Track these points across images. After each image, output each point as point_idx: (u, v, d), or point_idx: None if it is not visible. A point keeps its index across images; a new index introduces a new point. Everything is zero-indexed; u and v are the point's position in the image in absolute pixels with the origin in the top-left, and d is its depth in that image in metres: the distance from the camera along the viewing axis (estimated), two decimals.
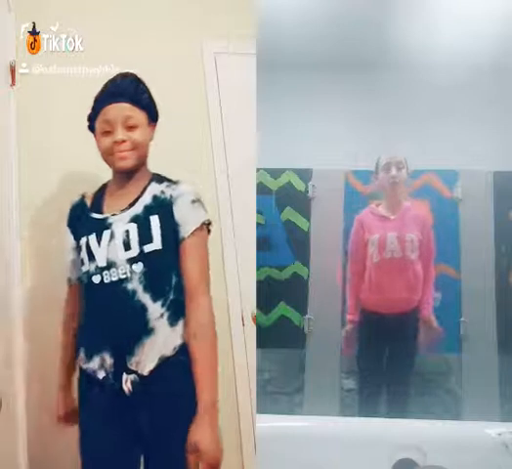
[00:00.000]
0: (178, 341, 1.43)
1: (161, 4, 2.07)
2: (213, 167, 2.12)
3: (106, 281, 1.43)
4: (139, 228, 1.45)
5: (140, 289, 1.42)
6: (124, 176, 1.51)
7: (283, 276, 2.82)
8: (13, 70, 1.70)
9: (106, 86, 1.51)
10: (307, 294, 2.78)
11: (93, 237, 1.47)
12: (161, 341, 1.41)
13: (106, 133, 1.47)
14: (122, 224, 1.46)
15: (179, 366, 1.42)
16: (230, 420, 2.00)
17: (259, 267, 2.64)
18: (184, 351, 1.43)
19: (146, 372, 1.41)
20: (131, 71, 1.52)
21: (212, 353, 1.45)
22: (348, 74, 2.90)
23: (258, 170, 2.78)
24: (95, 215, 1.51)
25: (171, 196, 1.47)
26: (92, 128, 1.52)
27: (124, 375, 1.41)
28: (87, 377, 1.45)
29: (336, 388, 2.69)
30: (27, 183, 1.76)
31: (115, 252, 1.44)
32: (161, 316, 1.42)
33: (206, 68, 2.16)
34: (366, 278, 2.52)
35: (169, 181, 1.51)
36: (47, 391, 1.65)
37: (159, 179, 1.52)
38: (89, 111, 1.51)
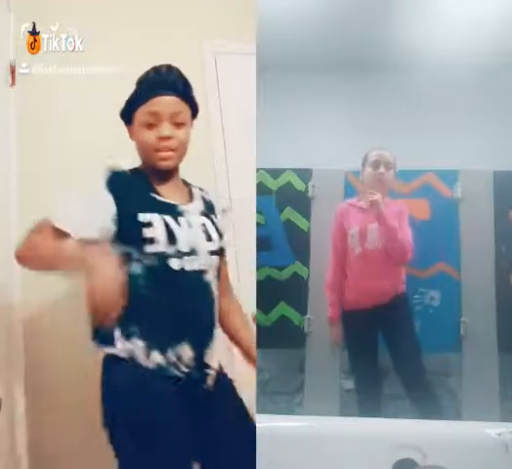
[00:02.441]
0: None
1: (161, 4, 2.07)
2: (213, 167, 2.13)
3: (187, 269, 1.36)
4: (212, 223, 1.46)
5: (214, 283, 1.42)
6: (160, 174, 1.43)
7: (283, 276, 2.82)
8: (13, 70, 1.70)
9: (149, 74, 1.42)
10: (307, 294, 2.77)
11: (170, 219, 1.36)
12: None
13: (150, 125, 1.38)
14: (195, 216, 1.43)
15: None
16: None
17: (259, 267, 2.63)
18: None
19: (216, 366, 1.41)
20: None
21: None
22: (348, 74, 2.90)
23: (258, 170, 2.78)
24: (158, 197, 1.39)
25: (211, 201, 1.51)
26: (127, 116, 1.42)
27: (206, 371, 1.38)
28: (151, 376, 1.30)
29: (336, 388, 2.69)
30: (28, 182, 1.76)
31: (198, 240, 1.39)
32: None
33: (206, 68, 2.16)
34: (349, 273, 2.52)
35: (195, 186, 1.52)
36: (47, 391, 1.66)
37: (186, 182, 1.52)
38: (129, 97, 1.42)
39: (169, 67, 1.43)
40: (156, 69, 1.42)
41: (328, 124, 2.97)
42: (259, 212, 2.76)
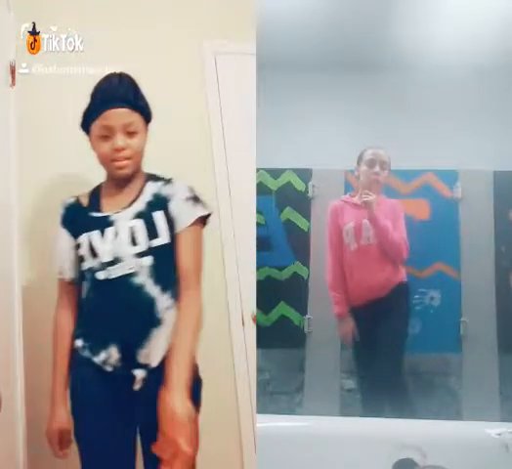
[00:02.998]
0: None
1: (161, 4, 2.07)
2: (213, 167, 2.12)
3: (112, 277, 1.45)
4: (145, 223, 1.48)
5: (149, 282, 1.45)
6: (121, 180, 1.53)
7: (283, 276, 2.82)
8: (13, 70, 1.70)
9: (102, 85, 1.50)
10: (307, 294, 2.78)
11: (96, 234, 1.48)
12: (169, 331, 1.44)
13: (105, 138, 1.48)
14: (126, 221, 1.48)
15: None
16: (230, 420, 2.00)
17: (259, 267, 2.64)
18: None
19: (155, 363, 1.43)
20: (124, 72, 1.51)
21: (193, 340, 1.42)
22: (348, 74, 2.90)
23: (258, 170, 2.78)
24: (94, 214, 1.52)
25: (168, 194, 1.51)
26: (86, 127, 1.52)
27: (134, 372, 1.43)
28: (87, 365, 1.46)
29: (336, 388, 2.69)
30: (27, 183, 1.76)
31: (121, 247, 1.46)
32: (169, 307, 1.45)
33: (206, 68, 2.16)
34: (346, 268, 2.52)
35: (163, 179, 1.55)
36: (47, 391, 1.65)
37: (155, 178, 1.56)
38: (84, 110, 1.50)
39: (120, 76, 1.50)
40: (108, 80, 1.50)
41: (328, 124, 2.97)
42: (259, 212, 2.76)
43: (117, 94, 1.48)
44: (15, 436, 1.59)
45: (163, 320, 1.44)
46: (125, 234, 1.47)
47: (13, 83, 1.71)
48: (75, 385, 1.49)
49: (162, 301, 1.45)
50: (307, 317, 2.76)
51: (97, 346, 1.46)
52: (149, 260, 1.46)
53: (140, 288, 1.44)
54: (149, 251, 1.46)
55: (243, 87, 1.85)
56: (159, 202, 1.50)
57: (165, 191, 1.51)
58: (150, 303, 1.44)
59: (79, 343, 1.50)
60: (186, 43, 2.11)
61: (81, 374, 1.48)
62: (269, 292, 2.71)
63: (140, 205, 1.50)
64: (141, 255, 1.46)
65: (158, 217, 1.48)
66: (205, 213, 1.51)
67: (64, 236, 1.54)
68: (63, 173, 1.83)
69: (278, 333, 2.76)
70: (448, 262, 2.74)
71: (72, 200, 1.57)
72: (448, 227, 2.77)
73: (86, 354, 1.47)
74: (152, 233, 1.47)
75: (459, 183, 2.79)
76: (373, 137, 2.81)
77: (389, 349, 2.41)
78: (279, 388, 2.80)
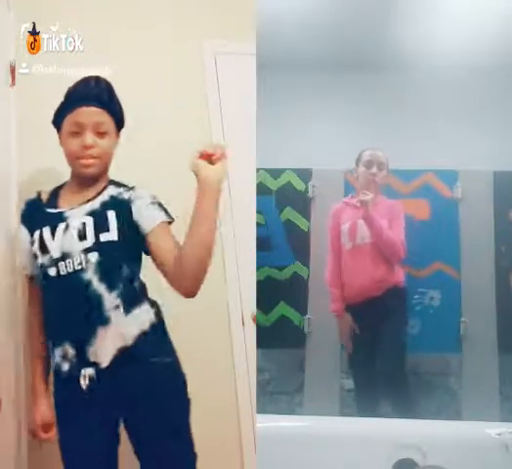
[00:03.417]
0: (135, 331, 1.45)
1: (161, 4, 2.07)
2: None
3: (62, 273, 1.45)
4: (95, 220, 1.48)
5: (95, 279, 1.44)
6: (85, 179, 1.54)
7: (283, 276, 2.82)
8: (13, 70, 1.70)
9: (78, 85, 1.52)
10: (307, 294, 2.78)
11: (47, 230, 1.49)
12: (118, 331, 1.43)
13: (74, 134, 1.49)
14: (78, 217, 1.49)
15: (139, 357, 1.44)
16: (230, 420, 2.00)
17: (259, 267, 2.64)
18: (143, 341, 1.45)
19: (105, 364, 1.43)
20: (101, 76, 1.54)
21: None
22: (348, 74, 2.90)
23: (258, 170, 2.78)
24: (50, 210, 1.53)
25: (130, 197, 1.51)
26: (57, 124, 1.54)
27: (82, 371, 1.43)
28: (55, 371, 1.48)
29: (336, 388, 2.69)
30: (27, 183, 1.76)
31: (70, 243, 1.46)
32: (117, 306, 1.44)
33: (206, 68, 2.16)
34: (343, 267, 2.53)
35: (126, 186, 1.55)
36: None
37: (118, 184, 1.56)
38: (57, 106, 1.53)
39: (97, 79, 1.53)
40: (86, 81, 1.52)
41: (328, 124, 2.96)
42: (259, 212, 2.76)
43: (91, 93, 1.51)
44: (15, 436, 1.59)
45: (110, 319, 1.43)
46: (75, 230, 1.47)
47: (13, 83, 1.71)
48: (54, 391, 1.50)
49: (109, 299, 1.44)
50: (307, 317, 2.76)
51: (55, 344, 1.47)
52: (95, 256, 1.45)
53: (87, 285, 1.44)
54: (96, 247, 1.46)
55: (243, 87, 1.85)
56: (115, 204, 1.50)
57: (125, 195, 1.52)
58: (97, 300, 1.44)
59: (50, 345, 1.49)
60: (186, 43, 2.11)
61: (56, 380, 1.49)
62: (269, 292, 2.71)
63: (95, 204, 1.51)
64: (88, 251, 1.45)
65: (110, 215, 1.48)
66: (170, 219, 1.50)
67: (23, 232, 1.55)
68: (62, 173, 1.83)
69: (278, 333, 2.76)
70: (448, 262, 2.74)
71: (34, 196, 1.58)
72: (447, 227, 2.77)
73: (55, 356, 1.47)
74: (101, 228, 1.47)
75: (459, 183, 2.79)
76: (373, 137, 2.81)
77: (384, 352, 2.41)
78: (279, 388, 2.80)
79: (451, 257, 2.74)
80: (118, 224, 1.47)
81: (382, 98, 2.92)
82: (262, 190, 2.80)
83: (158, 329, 1.50)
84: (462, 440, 1.88)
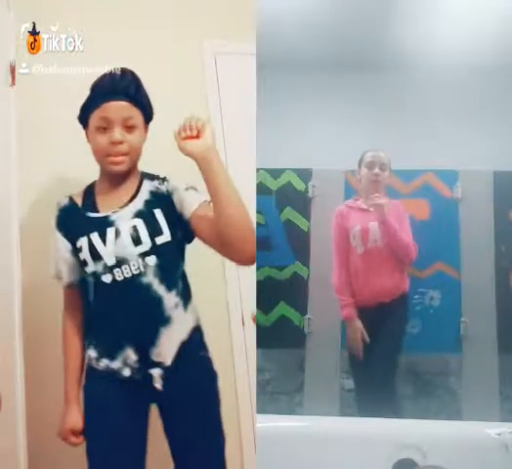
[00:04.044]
0: (191, 324, 1.49)
1: (161, 4, 2.07)
2: None
3: (118, 279, 1.43)
4: (145, 222, 1.46)
5: (155, 282, 1.44)
6: (116, 176, 1.51)
7: (283, 276, 2.82)
8: (13, 70, 1.70)
9: (104, 78, 1.48)
10: (307, 294, 2.78)
11: (95, 236, 1.45)
12: (178, 328, 1.45)
13: (102, 129, 1.45)
14: (126, 220, 1.46)
15: (192, 350, 1.48)
16: (230, 420, 2.00)
17: (259, 267, 2.64)
18: (195, 334, 1.49)
19: (169, 362, 1.44)
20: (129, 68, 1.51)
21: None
22: (348, 74, 2.90)
23: (258, 170, 2.78)
24: (91, 214, 1.49)
25: (168, 190, 1.50)
26: (83, 120, 1.50)
27: (151, 370, 1.43)
28: (104, 378, 1.45)
29: (336, 388, 2.69)
30: (27, 183, 1.76)
31: (125, 248, 1.44)
32: (176, 304, 1.45)
33: (206, 68, 2.16)
34: (352, 272, 2.51)
35: (159, 178, 1.54)
36: (47, 391, 1.66)
37: (150, 176, 1.54)
38: (83, 101, 1.49)
39: (123, 71, 1.49)
40: (111, 74, 1.48)
41: (328, 124, 2.96)
42: (259, 212, 2.76)
43: (119, 87, 1.46)
44: (15, 436, 1.59)
45: (171, 319, 1.44)
46: (127, 234, 1.45)
47: (13, 83, 1.71)
48: (90, 397, 1.48)
49: (169, 299, 1.44)
50: (307, 317, 2.76)
51: (112, 350, 1.44)
52: (153, 259, 1.44)
53: (147, 288, 1.43)
54: (153, 250, 1.45)
55: (243, 87, 1.85)
56: (158, 200, 1.49)
57: (163, 188, 1.50)
58: (158, 302, 1.43)
59: (92, 353, 1.47)
60: (186, 43, 2.11)
61: (96, 386, 1.47)
62: (269, 292, 2.71)
63: (138, 203, 1.48)
64: (145, 255, 1.44)
65: (158, 214, 1.47)
66: (206, 200, 1.48)
67: (60, 239, 1.51)
68: (62, 173, 1.83)
69: (278, 333, 2.76)
70: (449, 262, 2.74)
71: (66, 201, 1.54)
72: (448, 227, 2.77)
73: (102, 363, 1.45)
74: (155, 231, 1.46)
75: (459, 183, 2.79)
76: (373, 137, 2.81)
77: (378, 353, 2.41)
78: (279, 388, 2.80)
79: (451, 257, 2.74)
80: (167, 223, 1.47)
81: (382, 98, 2.93)
82: (262, 190, 2.80)
83: (200, 323, 1.54)
84: (462, 440, 1.88)
